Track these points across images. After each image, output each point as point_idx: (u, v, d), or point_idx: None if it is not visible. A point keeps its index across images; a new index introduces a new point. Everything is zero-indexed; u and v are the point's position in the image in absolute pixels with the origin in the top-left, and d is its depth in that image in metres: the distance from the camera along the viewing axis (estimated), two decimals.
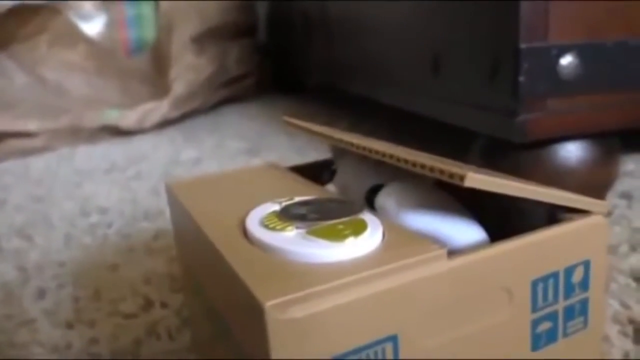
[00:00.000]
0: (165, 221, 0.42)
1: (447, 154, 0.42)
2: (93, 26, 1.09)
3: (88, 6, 1.10)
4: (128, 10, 1.31)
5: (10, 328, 0.27)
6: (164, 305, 0.28)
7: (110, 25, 1.08)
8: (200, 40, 0.83)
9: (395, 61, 0.47)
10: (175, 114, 0.76)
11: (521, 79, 0.30)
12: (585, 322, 0.16)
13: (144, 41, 1.25)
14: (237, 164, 0.57)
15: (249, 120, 0.80)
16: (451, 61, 0.38)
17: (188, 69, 0.80)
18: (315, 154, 0.58)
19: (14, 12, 0.75)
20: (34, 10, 0.80)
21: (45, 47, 0.84)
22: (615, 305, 0.24)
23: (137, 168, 0.58)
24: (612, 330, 0.22)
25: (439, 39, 0.39)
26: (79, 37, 0.88)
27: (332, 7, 0.63)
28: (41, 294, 0.31)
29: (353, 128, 0.67)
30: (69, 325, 0.27)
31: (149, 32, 1.29)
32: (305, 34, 0.74)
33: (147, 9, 1.35)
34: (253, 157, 0.59)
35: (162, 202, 0.47)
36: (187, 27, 0.83)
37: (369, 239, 0.14)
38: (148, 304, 0.28)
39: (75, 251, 0.39)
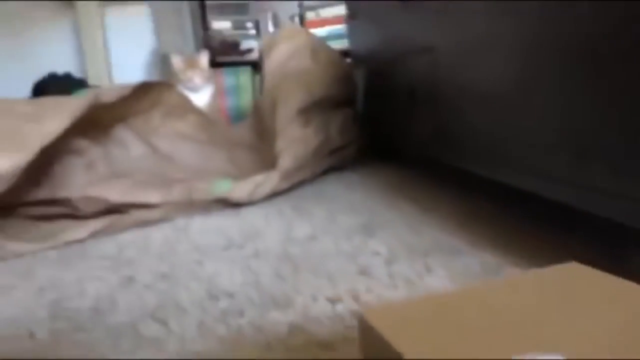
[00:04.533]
0: (295, 314, 0.42)
1: (589, 255, 0.37)
2: (200, 97, 1.20)
3: (197, 79, 1.23)
4: (226, 79, 1.44)
5: None
6: None
7: (214, 95, 1.21)
8: (306, 112, 0.86)
9: (519, 139, 0.45)
10: (284, 186, 0.78)
11: None
12: None
13: (242, 109, 1.38)
14: (354, 244, 0.57)
15: (354, 190, 0.81)
16: (601, 147, 0.35)
17: (295, 141, 0.82)
18: (429, 229, 0.57)
19: (135, 90, 0.81)
20: (151, 86, 0.87)
21: (158, 118, 0.89)
22: None
23: (253, 245, 0.60)
24: None
25: (584, 123, 0.36)
26: (188, 108, 0.93)
27: (442, 76, 0.63)
28: None
29: (459, 204, 0.66)
30: None
31: (246, 101, 1.42)
32: (408, 104, 0.75)
33: (244, 78, 1.48)
34: (370, 238, 0.58)
35: (287, 288, 0.47)
36: (293, 100, 0.86)
37: None
38: None
39: (211, 342, 0.39)
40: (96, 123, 0.77)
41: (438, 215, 0.63)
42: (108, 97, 0.75)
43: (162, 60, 1.58)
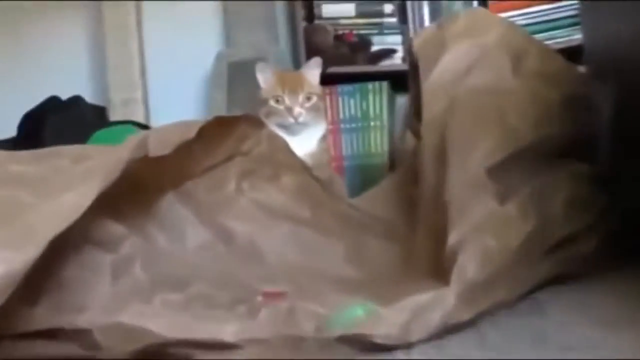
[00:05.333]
0: None
1: None
2: (304, 141, 1.20)
3: (302, 112, 1.22)
4: (346, 106, 1.46)
5: None
6: None
7: (325, 137, 1.21)
8: (504, 173, 0.81)
9: None
10: (465, 315, 0.71)
11: None
12: None
13: (373, 163, 1.37)
14: None
15: (601, 326, 0.72)
16: None
17: (484, 229, 0.76)
18: None
19: (204, 133, 0.80)
20: (226, 124, 0.87)
21: (234, 181, 0.89)
22: None
23: None
24: None
25: None
26: (285, 163, 0.94)
27: None
28: None
29: None
30: None
31: (382, 147, 1.42)
32: None
33: (377, 104, 1.49)
34: None
35: None
36: (479, 151, 0.82)
37: None
38: None
39: None
40: (134, 190, 0.78)
41: None
42: (160, 145, 0.75)
43: (232, 72, 1.68)
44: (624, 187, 0.93)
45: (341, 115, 1.47)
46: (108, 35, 1.79)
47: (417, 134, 1.03)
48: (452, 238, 0.76)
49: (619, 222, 0.92)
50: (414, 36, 1.28)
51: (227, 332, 0.68)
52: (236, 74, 1.60)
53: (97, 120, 1.49)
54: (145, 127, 1.56)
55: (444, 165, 0.84)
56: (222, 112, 1.62)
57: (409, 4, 1.54)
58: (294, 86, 1.24)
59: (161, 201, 0.82)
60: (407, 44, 1.46)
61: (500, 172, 0.82)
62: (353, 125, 1.47)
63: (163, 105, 1.81)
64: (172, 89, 1.83)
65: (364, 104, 1.48)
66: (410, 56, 1.09)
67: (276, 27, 1.73)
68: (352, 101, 1.49)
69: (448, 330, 0.73)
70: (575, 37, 1.14)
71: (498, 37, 0.97)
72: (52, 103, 1.51)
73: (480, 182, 0.81)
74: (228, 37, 1.81)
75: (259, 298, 0.75)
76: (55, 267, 0.70)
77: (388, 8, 1.61)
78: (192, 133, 0.78)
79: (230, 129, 0.88)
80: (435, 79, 0.95)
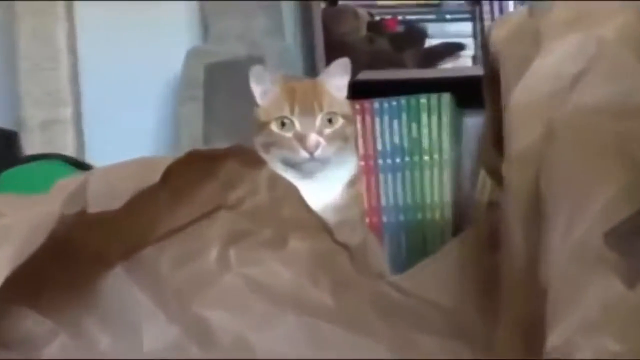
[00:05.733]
0: None
1: None
2: (323, 185, 1.19)
3: (320, 143, 1.21)
4: (386, 130, 1.44)
5: None
6: None
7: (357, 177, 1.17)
8: (630, 239, 0.80)
9: None
10: None
11: None
12: None
13: (430, 220, 1.35)
14: None
15: None
16: None
17: (604, 323, 0.75)
18: None
19: (172, 175, 0.80)
20: (207, 166, 0.87)
21: (216, 248, 0.88)
22: None
23: None
24: None
25: None
26: (294, 219, 0.93)
27: None
28: None
29: None
30: None
31: (438, 192, 1.40)
32: None
33: (436, 127, 1.47)
34: None
35: None
36: (597, 204, 0.81)
37: None
38: None
39: None
40: (65, 263, 0.79)
41: None
42: (106, 196, 0.75)
43: (211, 78, 1.68)
44: None
45: (379, 146, 1.44)
46: (21, 28, 1.76)
47: (497, 175, 1.01)
48: (555, 338, 0.74)
49: None
50: (492, 25, 1.25)
51: None
52: (218, 82, 1.59)
53: (3, 153, 1.48)
54: (80, 164, 1.53)
55: (540, 226, 0.82)
56: (198, 142, 1.60)
57: None
58: (309, 102, 1.21)
59: (105, 280, 0.82)
60: (482, 37, 1.43)
61: (627, 238, 0.79)
62: (398, 160, 1.44)
63: (105, 128, 1.78)
64: (119, 104, 1.78)
65: (415, 128, 1.45)
66: (486, 55, 1.08)
67: (279, 12, 1.71)
68: (396, 124, 1.46)
69: None
70: None
71: (620, 30, 0.95)
72: None
73: (597, 253, 0.77)
74: (206, 26, 1.80)
75: None
76: None
77: None
78: (154, 177, 0.77)
79: (212, 169, 0.87)
80: (527, 91, 0.93)
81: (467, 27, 1.63)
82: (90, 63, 1.86)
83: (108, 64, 1.85)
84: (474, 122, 1.47)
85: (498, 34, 1.03)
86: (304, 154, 1.18)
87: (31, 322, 0.76)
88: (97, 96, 1.84)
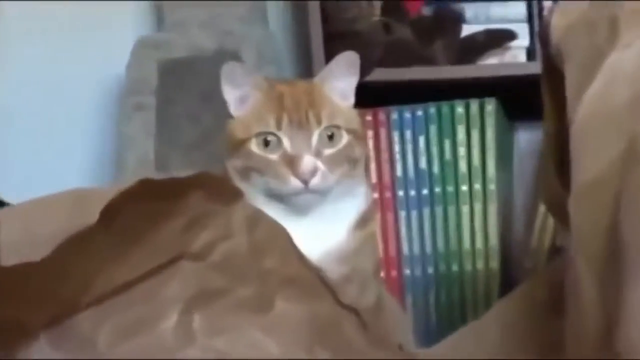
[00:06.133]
0: None
1: None
2: (325, 230, 1.21)
3: (308, 161, 1.21)
4: (409, 145, 1.46)
5: None
6: None
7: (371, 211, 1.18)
8: None
9: None
10: None
11: None
12: None
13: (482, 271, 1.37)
14: None
15: None
16: None
17: None
18: None
19: (115, 214, 0.83)
20: (163, 200, 0.89)
21: (176, 312, 0.89)
22: None
23: None
24: None
25: None
26: (283, 272, 0.95)
27: None
28: None
29: None
30: None
31: (484, 231, 1.42)
32: None
33: (477, 145, 1.49)
34: None
35: None
36: None
37: None
38: None
39: None
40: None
41: None
42: (24, 244, 0.78)
43: (167, 78, 1.70)
44: None
45: (399, 172, 1.44)
46: None
47: (561, 212, 1.00)
48: None
49: None
50: (554, 7, 1.25)
51: None
52: (176, 84, 1.61)
53: None
54: None
55: (620, 279, 0.83)
56: (149, 167, 1.61)
57: None
58: (302, 113, 1.21)
59: (26, 354, 0.83)
60: (540, 22, 1.45)
61: None
62: (424, 192, 1.43)
63: (24, 150, 1.83)
64: (43, 118, 1.82)
65: (449, 147, 1.46)
66: (545, 48, 1.09)
67: None
68: (422, 141, 1.45)
69: None
70: None
71: None
72: None
73: None
74: (160, 11, 1.81)
75: None
76: None
77: None
78: (89, 216, 0.78)
79: (169, 204, 0.88)
80: (601, 97, 0.93)
81: (520, 8, 1.62)
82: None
83: (27, 65, 1.88)
84: (528, 138, 1.48)
85: (560, 23, 1.04)
86: (295, 183, 1.18)
87: None
88: (13, 108, 1.87)
